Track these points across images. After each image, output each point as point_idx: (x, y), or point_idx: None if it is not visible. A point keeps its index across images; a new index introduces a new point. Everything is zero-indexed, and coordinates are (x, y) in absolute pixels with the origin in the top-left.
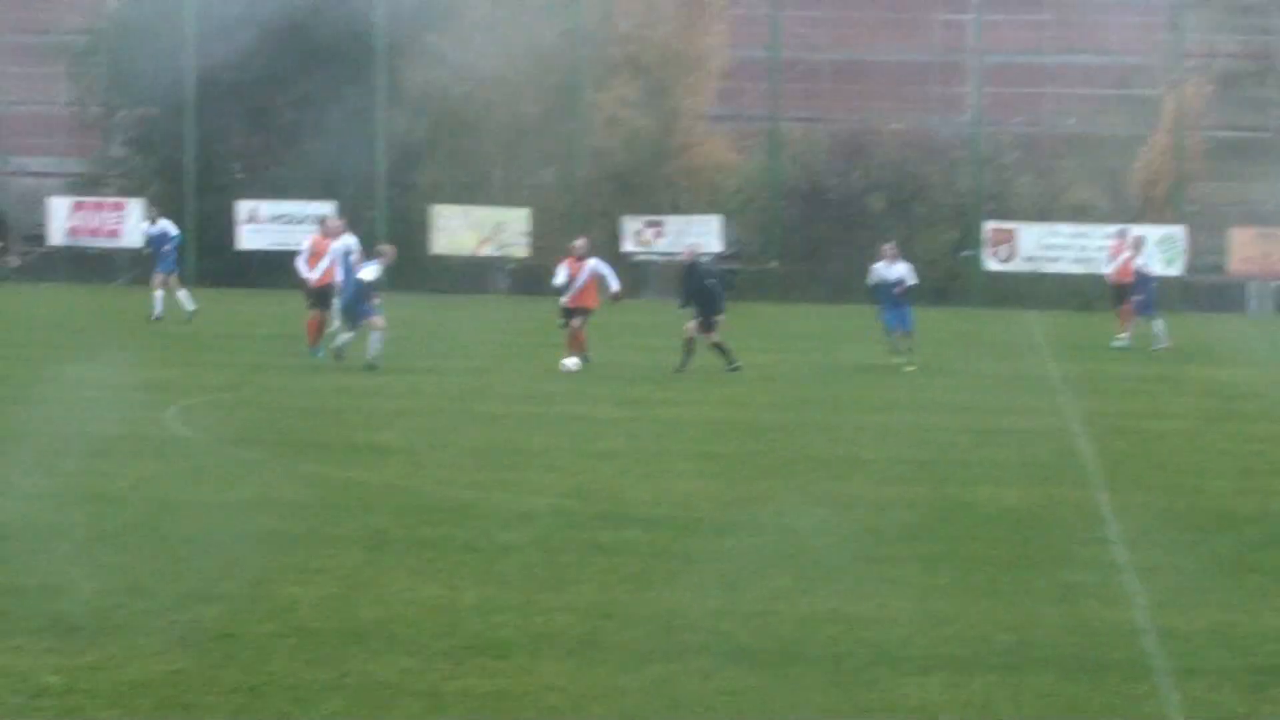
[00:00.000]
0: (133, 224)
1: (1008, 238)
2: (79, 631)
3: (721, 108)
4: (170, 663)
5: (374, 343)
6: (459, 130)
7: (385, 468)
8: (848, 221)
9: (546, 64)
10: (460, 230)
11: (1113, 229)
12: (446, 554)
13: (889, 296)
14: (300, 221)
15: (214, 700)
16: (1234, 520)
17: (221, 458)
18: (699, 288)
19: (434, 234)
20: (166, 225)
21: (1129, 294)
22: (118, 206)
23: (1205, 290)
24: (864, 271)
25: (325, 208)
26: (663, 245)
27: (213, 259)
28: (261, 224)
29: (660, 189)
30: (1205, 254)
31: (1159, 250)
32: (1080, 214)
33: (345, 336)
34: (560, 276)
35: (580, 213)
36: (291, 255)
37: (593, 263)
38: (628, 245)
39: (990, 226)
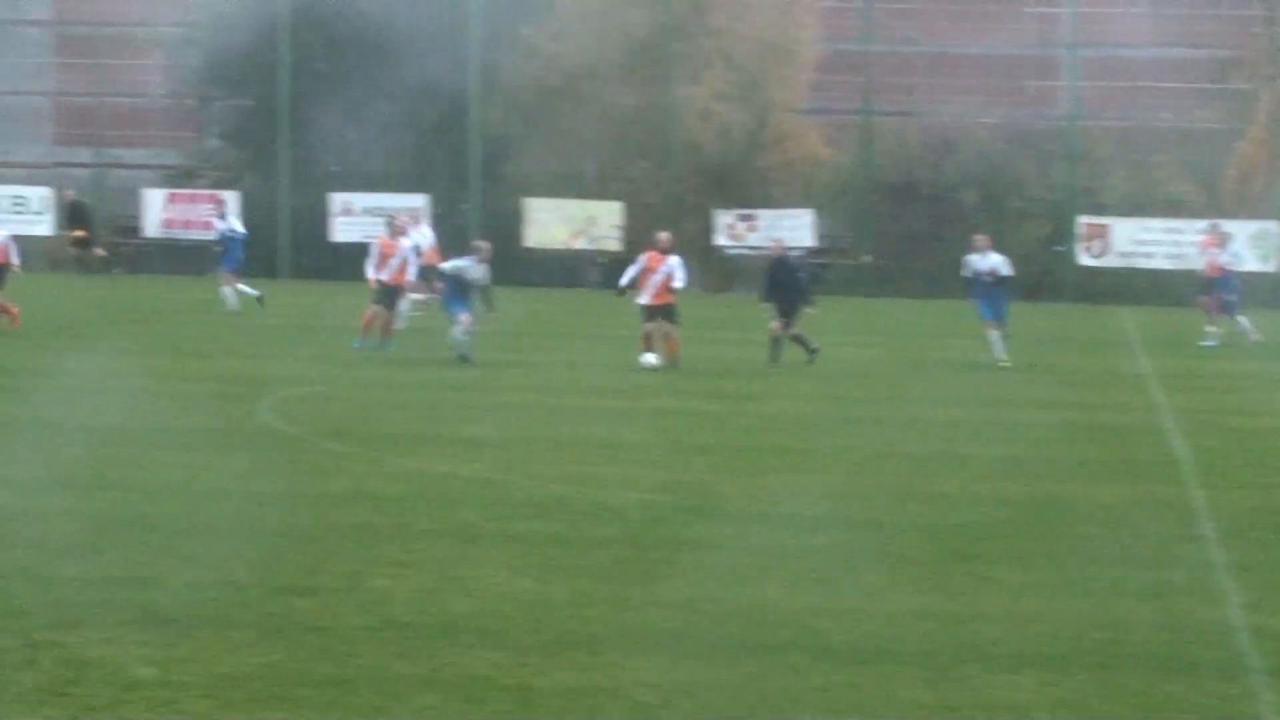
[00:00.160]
0: (227, 216)
1: (1101, 233)
2: (172, 624)
3: (814, 101)
4: (262, 655)
5: (455, 333)
6: (552, 123)
7: (477, 461)
8: (940, 216)
9: (639, 57)
10: (552, 223)
11: (1205, 224)
12: (537, 548)
13: (983, 287)
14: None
15: (306, 693)
16: None
17: (315, 451)
18: (786, 282)
19: (526, 227)
20: (232, 222)
21: (1214, 289)
22: (212, 199)
23: None
24: (956, 266)
25: (418, 200)
26: (755, 239)
27: (306, 252)
28: (355, 217)
29: (752, 182)
30: None
31: (1253, 245)
32: (1174, 209)
33: (457, 331)
34: (634, 268)
35: (672, 206)
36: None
37: (674, 260)
38: (720, 239)
39: (1083, 221)
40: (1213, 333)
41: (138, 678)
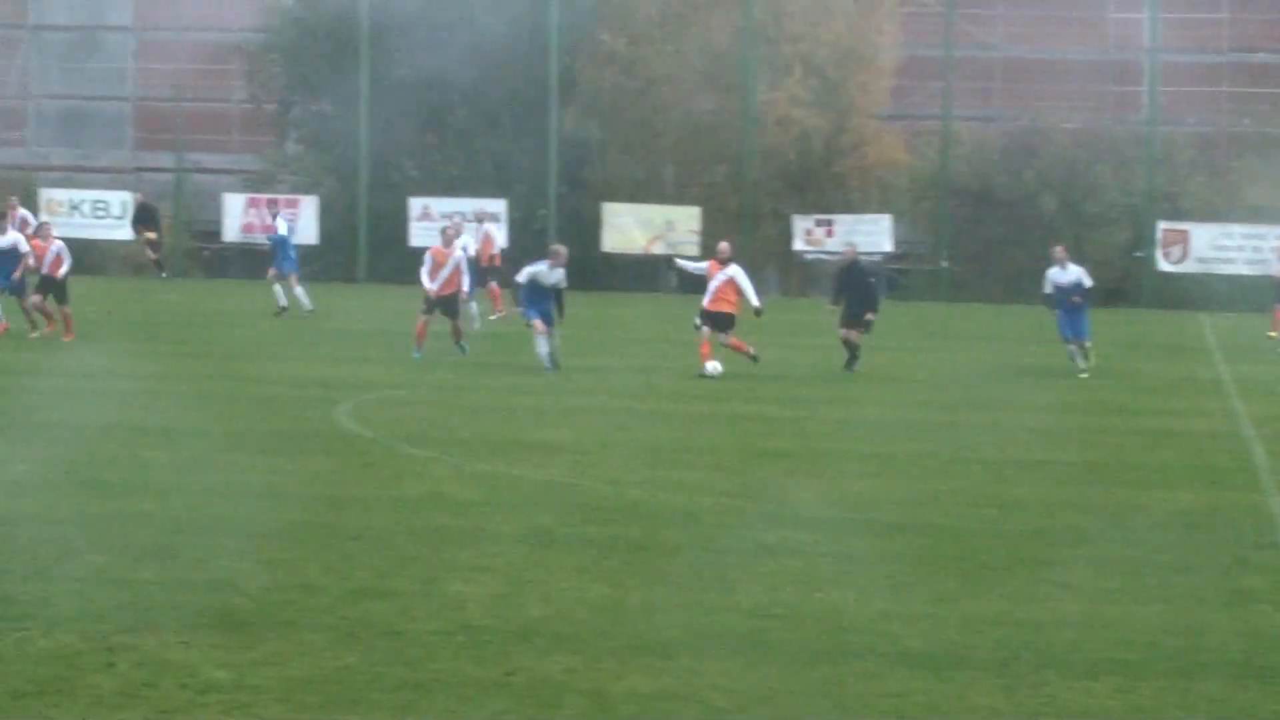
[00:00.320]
0: (307, 221)
1: (1180, 238)
2: (247, 627)
3: (893, 106)
4: (338, 659)
5: (539, 347)
6: (631, 128)
7: (553, 466)
8: (1019, 221)
9: (718, 62)
10: (630, 228)
11: None
12: (613, 553)
13: (1066, 303)
14: (473, 219)
15: (380, 697)
16: None
17: (391, 455)
18: (857, 286)
19: (604, 232)
20: (280, 223)
21: None
22: (291, 204)
23: None
24: (1034, 272)
25: (497, 205)
26: (833, 244)
27: (385, 255)
28: (434, 221)
29: (831, 188)
30: None
31: None
32: (1254, 215)
33: (540, 343)
34: (699, 266)
35: (751, 211)
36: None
37: (731, 270)
38: (798, 244)
39: (1163, 227)
40: (1275, 338)
41: (213, 680)
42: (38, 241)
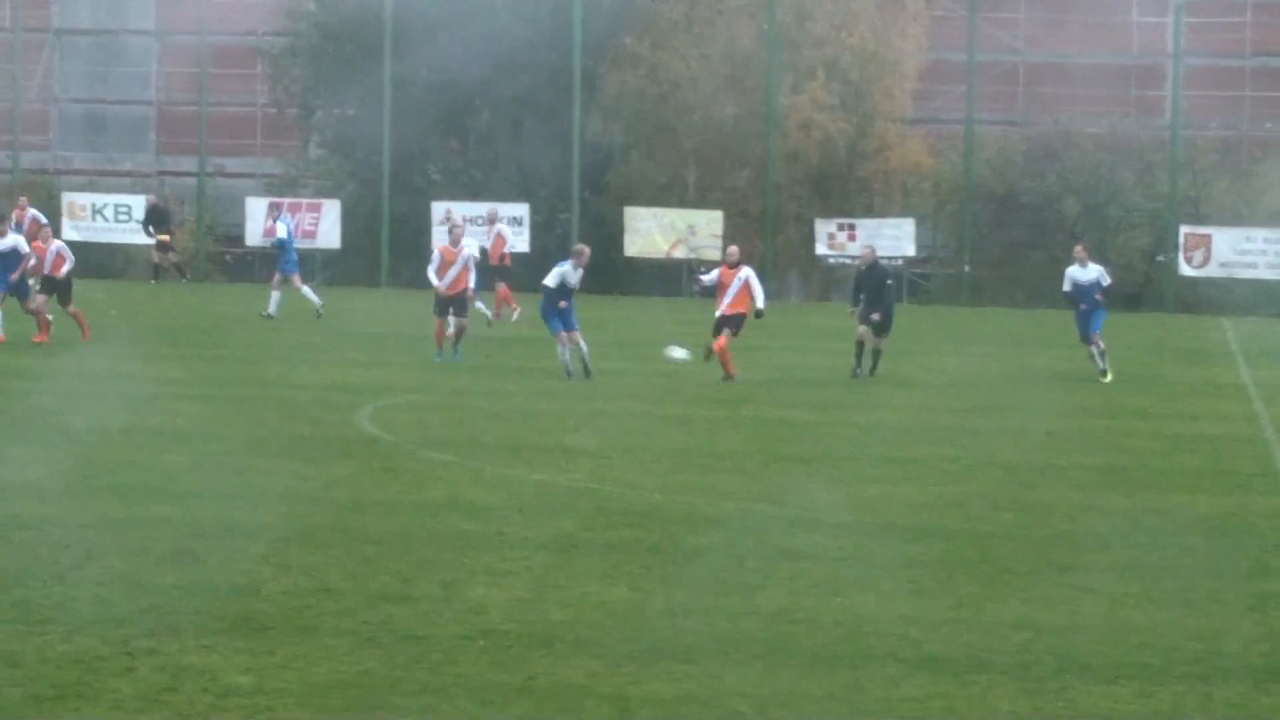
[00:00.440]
0: (329, 225)
1: (1203, 243)
2: (269, 631)
3: (917, 110)
4: (359, 663)
5: (583, 352)
6: (653, 132)
7: (574, 470)
8: (1042, 225)
9: (742, 66)
10: (653, 232)
11: None
12: (634, 557)
13: (1089, 300)
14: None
15: (402, 702)
16: None
17: (412, 459)
18: (875, 286)
19: (627, 236)
20: (280, 226)
21: None
22: (314, 207)
23: None
24: (1057, 276)
25: (519, 209)
26: (856, 248)
27: (407, 259)
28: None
29: (854, 192)
30: None
31: None
32: (1277, 219)
33: (562, 350)
34: (712, 276)
35: (773, 216)
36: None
37: (745, 272)
38: (821, 248)
39: (1185, 231)
40: None
41: (234, 685)
42: (38, 244)
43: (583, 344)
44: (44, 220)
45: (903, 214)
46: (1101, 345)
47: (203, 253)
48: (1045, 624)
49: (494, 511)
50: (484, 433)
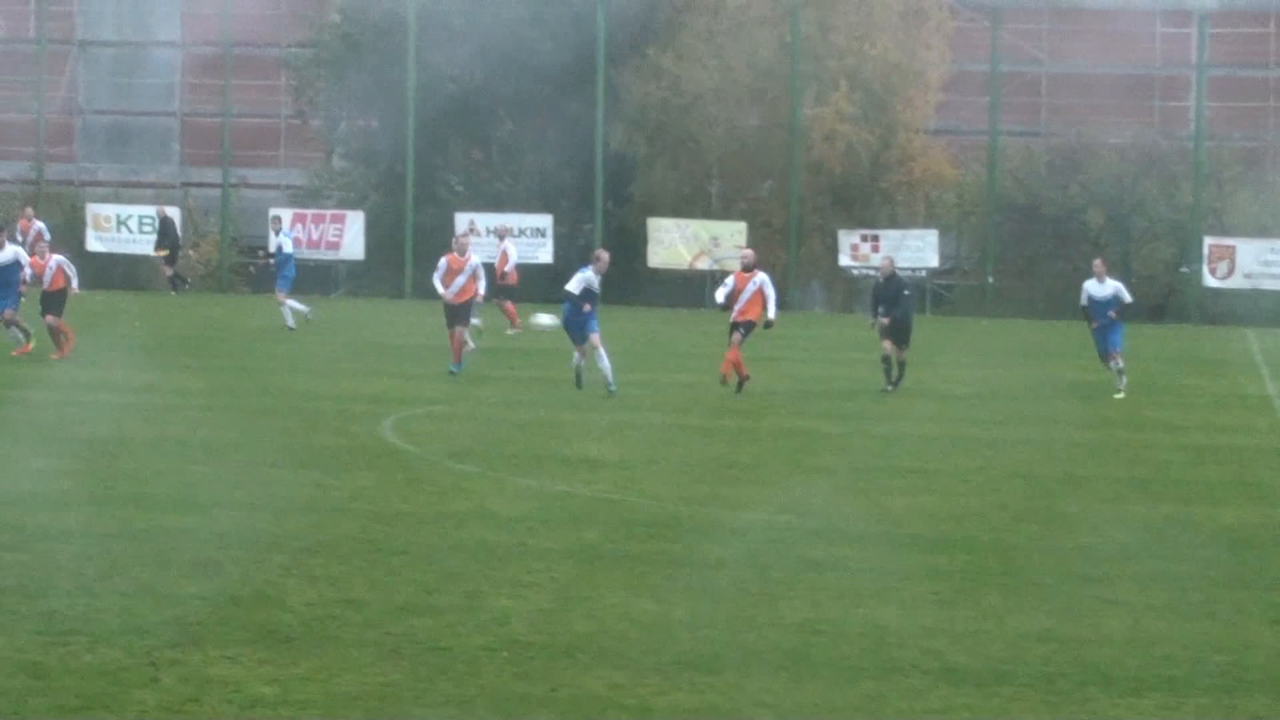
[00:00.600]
0: (353, 236)
1: (1227, 254)
2: (293, 642)
3: (940, 121)
4: (382, 675)
5: (603, 365)
6: (677, 143)
7: (598, 482)
8: (1065, 236)
9: (765, 78)
10: (676, 243)
11: None
12: (658, 569)
13: (1103, 316)
14: (519, 234)
15: (425, 712)
16: None
17: (436, 470)
18: (893, 298)
19: (650, 247)
20: (282, 240)
21: None
22: (338, 219)
23: None
24: (1080, 287)
25: (543, 220)
26: (879, 259)
27: (431, 270)
28: (480, 237)
29: (877, 203)
30: None
31: None
32: None
33: (577, 359)
34: (725, 289)
35: (796, 226)
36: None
37: (760, 278)
38: (844, 259)
39: (1209, 242)
40: None
41: (258, 696)
42: (35, 259)
43: (605, 356)
44: (47, 235)
45: (925, 225)
46: (1120, 363)
47: (226, 264)
48: (1069, 636)
49: (517, 523)
50: (507, 444)
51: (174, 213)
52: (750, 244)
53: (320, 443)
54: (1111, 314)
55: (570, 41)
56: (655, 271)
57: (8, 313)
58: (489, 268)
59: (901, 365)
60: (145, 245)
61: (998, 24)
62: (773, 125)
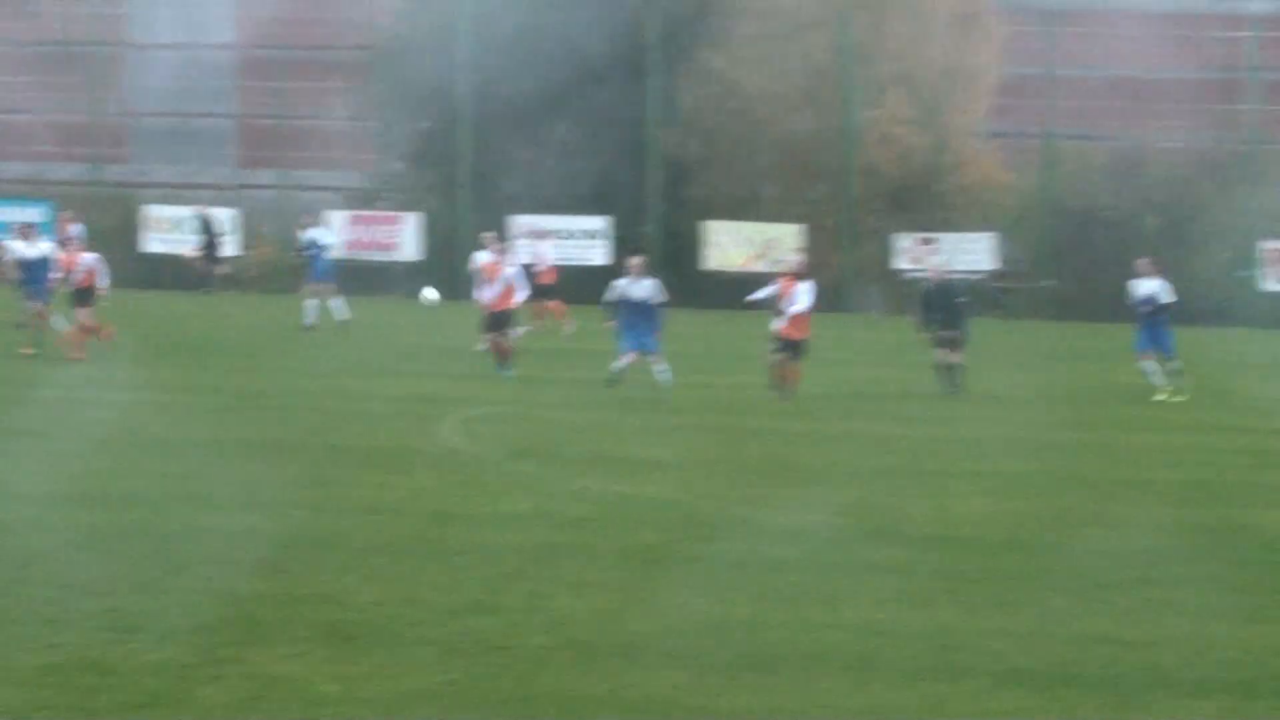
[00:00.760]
0: (409, 237)
1: None
2: (355, 641)
3: (994, 124)
4: (444, 673)
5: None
6: (731, 146)
7: (658, 482)
8: (1121, 240)
9: (818, 80)
10: (731, 246)
11: None
12: (719, 569)
13: (1143, 316)
14: (570, 236)
15: (487, 712)
16: None
17: (497, 471)
18: (946, 307)
19: (705, 250)
20: (316, 233)
21: None
22: (394, 220)
23: None
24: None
25: (598, 223)
26: (935, 262)
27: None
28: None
29: (932, 206)
30: None
31: None
32: None
33: (619, 364)
34: (768, 289)
35: (851, 230)
36: (563, 271)
37: (806, 285)
38: (899, 262)
39: (1267, 246)
40: None
41: (322, 694)
42: (66, 257)
43: (660, 370)
44: (82, 236)
45: (981, 228)
46: (1174, 364)
47: (282, 266)
48: (1131, 638)
49: (578, 523)
50: (565, 444)
51: (232, 215)
52: (805, 247)
53: (379, 443)
54: (1143, 309)
55: (624, 44)
56: (710, 274)
57: (36, 306)
58: (525, 269)
59: (958, 369)
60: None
61: (1052, 26)
62: (827, 128)
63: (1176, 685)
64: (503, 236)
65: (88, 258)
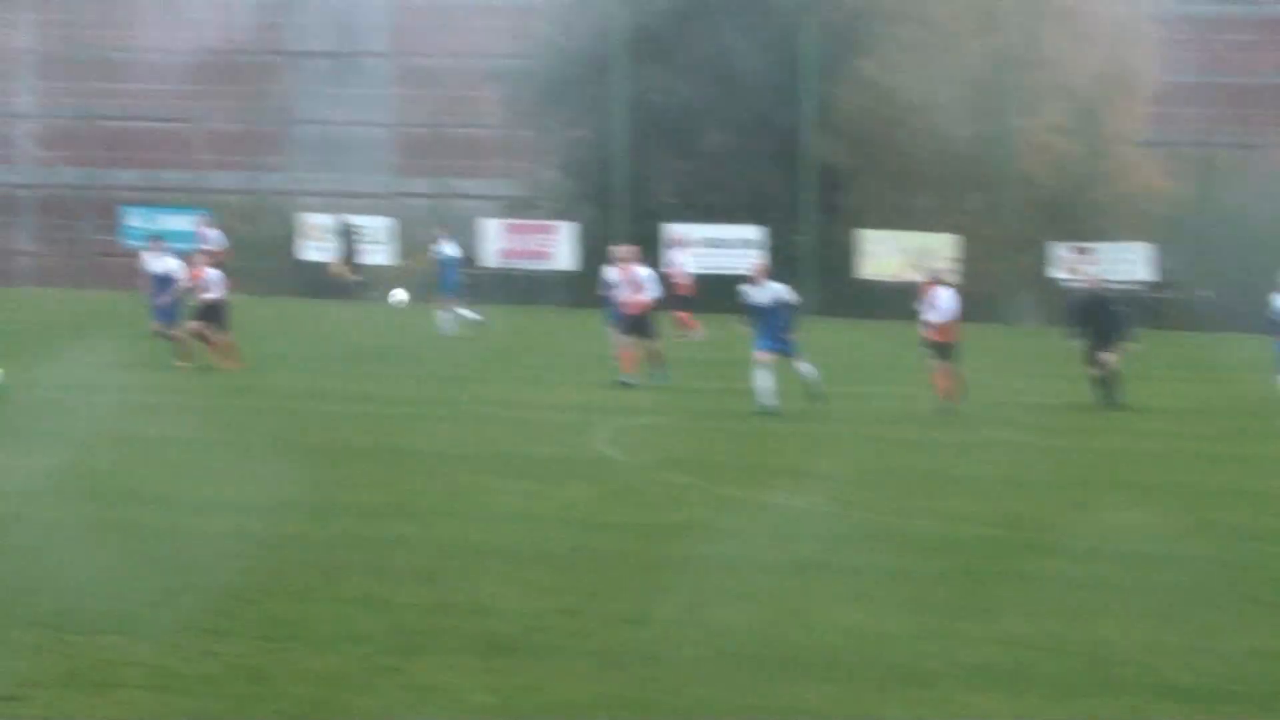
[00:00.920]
0: (564, 246)
1: None
2: (510, 651)
3: (1152, 132)
4: (601, 685)
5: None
6: (886, 155)
7: (811, 493)
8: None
9: (975, 89)
10: (887, 255)
11: None
12: (873, 581)
13: (1272, 327)
14: (725, 245)
15: None
16: None
17: (651, 481)
18: (1102, 318)
19: (860, 258)
20: (447, 247)
21: None
22: (549, 229)
23: None
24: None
25: (752, 231)
26: (1092, 272)
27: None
28: (691, 248)
29: (1089, 215)
30: None
31: None
32: None
33: (762, 378)
34: (929, 307)
35: (1007, 239)
36: (718, 279)
37: (940, 291)
38: (1056, 272)
39: None
40: None
41: (478, 704)
42: (195, 271)
43: (805, 368)
44: (218, 243)
45: (1138, 238)
46: None
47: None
48: None
49: (733, 534)
50: (719, 455)
51: (389, 223)
52: (960, 257)
53: (533, 452)
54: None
55: (777, 52)
56: (864, 283)
57: (154, 325)
58: (662, 277)
59: (1115, 379)
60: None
61: (1210, 34)
62: (982, 137)
63: None
64: (654, 246)
65: (211, 274)
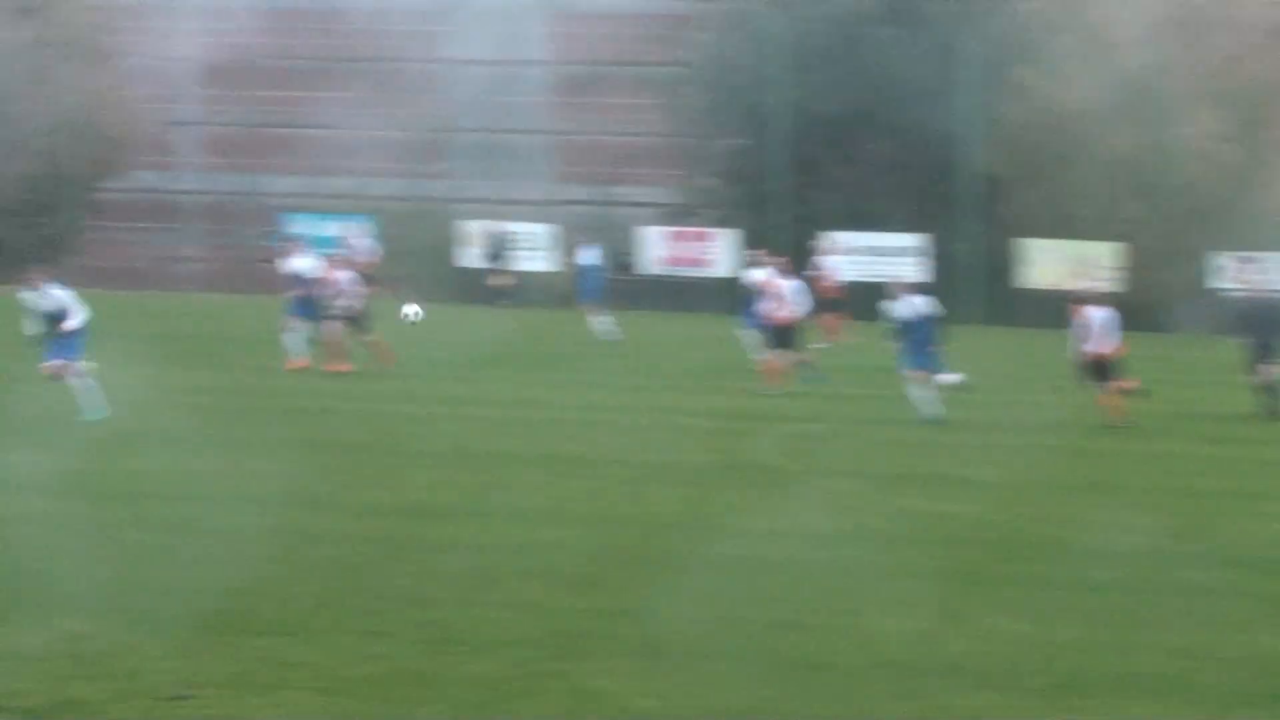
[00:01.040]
0: (722, 254)
1: None
2: (670, 656)
3: None
4: (762, 691)
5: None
6: (1046, 163)
7: (975, 501)
8: None
9: (1136, 96)
10: (1048, 264)
11: None
12: (1037, 590)
13: None
14: (885, 254)
15: None
16: None
17: (813, 488)
18: (1267, 325)
19: (1021, 267)
20: (588, 254)
21: None
22: (708, 237)
23: None
24: None
25: (910, 239)
26: (1256, 281)
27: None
28: (851, 255)
29: (1251, 224)
30: None
31: None
32: None
33: (917, 392)
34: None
35: (1168, 248)
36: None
37: (1092, 312)
38: (1218, 281)
39: None
40: None
41: (639, 709)
42: (335, 273)
43: (948, 378)
44: (361, 254)
45: None
46: None
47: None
48: None
49: (894, 541)
50: (878, 461)
51: (549, 230)
52: (1122, 265)
53: (697, 459)
54: None
55: (935, 59)
56: (1024, 291)
57: (292, 322)
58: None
59: (1277, 387)
60: (521, 262)
61: None
62: (1143, 145)
63: None
64: (807, 252)
65: (343, 276)
